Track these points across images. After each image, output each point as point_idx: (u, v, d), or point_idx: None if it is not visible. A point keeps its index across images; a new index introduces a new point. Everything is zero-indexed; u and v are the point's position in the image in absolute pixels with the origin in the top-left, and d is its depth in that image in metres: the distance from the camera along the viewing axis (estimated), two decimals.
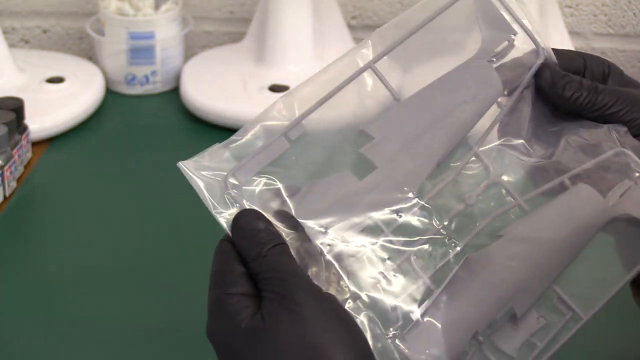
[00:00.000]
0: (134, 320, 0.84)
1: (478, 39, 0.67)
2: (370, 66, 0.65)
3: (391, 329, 0.62)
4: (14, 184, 1.01)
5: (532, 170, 0.66)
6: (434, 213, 0.65)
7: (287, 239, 0.62)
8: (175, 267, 0.90)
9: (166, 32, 1.20)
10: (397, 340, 0.62)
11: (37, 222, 0.98)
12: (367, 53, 0.66)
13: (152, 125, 1.16)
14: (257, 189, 0.63)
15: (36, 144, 1.08)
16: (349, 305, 0.61)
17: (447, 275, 0.63)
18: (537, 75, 0.66)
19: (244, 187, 0.63)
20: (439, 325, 0.62)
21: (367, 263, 0.63)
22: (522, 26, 0.66)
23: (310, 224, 0.62)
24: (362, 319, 0.61)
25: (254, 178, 0.63)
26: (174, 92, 1.20)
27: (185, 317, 0.82)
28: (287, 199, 0.63)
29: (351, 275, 0.62)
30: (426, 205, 0.64)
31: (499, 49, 0.66)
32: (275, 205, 0.63)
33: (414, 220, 0.64)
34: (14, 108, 1.02)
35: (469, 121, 0.65)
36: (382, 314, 0.62)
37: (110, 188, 1.03)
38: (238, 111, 1.12)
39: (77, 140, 1.11)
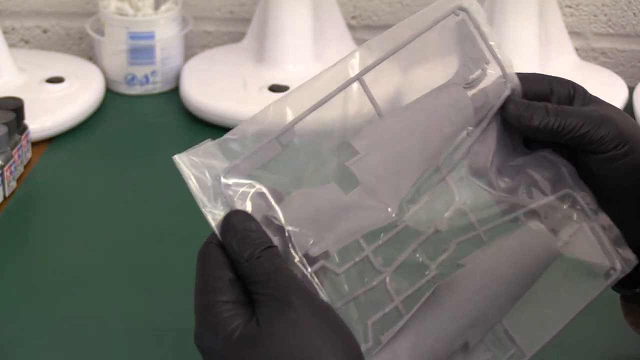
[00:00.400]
0: (134, 320, 0.84)
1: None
2: (358, 78, 0.66)
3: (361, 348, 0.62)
4: (14, 184, 1.01)
5: (497, 201, 0.68)
6: (412, 236, 0.65)
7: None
8: (176, 266, 0.90)
9: (166, 32, 1.20)
10: None
11: (37, 222, 0.98)
12: (356, 64, 0.66)
13: (152, 125, 1.16)
14: (250, 190, 0.63)
15: (36, 144, 1.08)
16: None
17: (418, 301, 0.63)
18: (503, 109, 0.67)
19: (234, 188, 0.62)
20: (406, 352, 0.63)
21: (344, 281, 0.63)
22: (492, 54, 0.66)
23: (298, 233, 0.62)
24: None
25: (243, 181, 0.63)
26: (174, 92, 1.20)
27: (186, 316, 0.82)
28: (274, 204, 0.62)
29: (328, 291, 0.62)
30: (406, 227, 0.65)
31: (473, 75, 0.67)
32: (261, 210, 0.62)
33: (393, 241, 0.65)
34: (14, 108, 1.02)
35: (444, 145, 0.66)
36: (354, 333, 0.61)
37: (110, 188, 1.03)
38: (238, 111, 1.12)
39: (77, 140, 1.11)
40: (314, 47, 1.20)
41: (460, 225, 0.67)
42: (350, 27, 1.26)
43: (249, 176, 0.63)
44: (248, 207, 0.62)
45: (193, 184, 0.62)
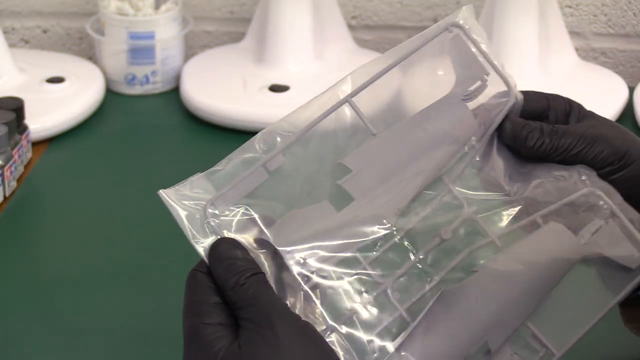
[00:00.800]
0: (134, 320, 0.84)
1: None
2: (347, 100, 0.67)
3: None
4: (14, 184, 1.01)
5: (507, 207, 0.68)
6: (411, 246, 0.65)
7: (266, 266, 0.62)
8: (175, 267, 0.90)
9: (166, 32, 1.20)
10: None
11: (37, 222, 0.98)
12: (347, 90, 0.67)
13: (152, 125, 1.16)
14: (235, 219, 0.64)
15: (36, 144, 1.08)
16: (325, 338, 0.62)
17: (423, 308, 0.64)
18: (500, 125, 0.67)
19: (221, 217, 0.63)
20: (417, 358, 0.63)
21: (343, 295, 0.63)
22: (494, 68, 0.67)
23: (289, 253, 0.63)
24: (338, 351, 0.62)
25: (232, 208, 0.64)
26: (174, 92, 1.20)
27: None
28: (264, 228, 0.63)
29: (328, 307, 0.62)
30: (404, 238, 0.65)
31: (472, 88, 0.67)
32: (252, 235, 0.63)
33: (391, 252, 0.65)
34: (14, 108, 1.02)
35: (444, 159, 0.66)
36: (358, 347, 0.62)
37: (110, 188, 1.03)
38: (238, 111, 1.12)
39: (77, 140, 1.11)
40: (314, 47, 1.20)
41: (470, 233, 0.67)
42: (350, 27, 1.26)
43: (237, 204, 0.64)
44: (235, 235, 0.63)
45: (181, 217, 0.64)
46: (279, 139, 0.65)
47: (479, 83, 0.67)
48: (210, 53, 1.25)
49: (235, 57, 1.22)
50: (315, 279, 0.62)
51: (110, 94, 1.20)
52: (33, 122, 1.07)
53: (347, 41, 1.24)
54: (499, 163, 0.68)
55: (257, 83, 1.16)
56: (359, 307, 0.63)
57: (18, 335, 0.82)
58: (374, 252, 0.65)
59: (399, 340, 0.63)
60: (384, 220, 0.64)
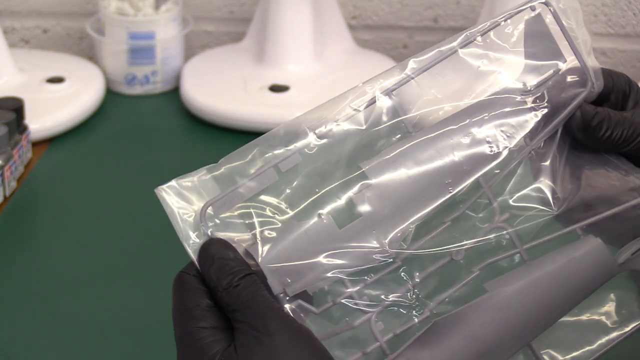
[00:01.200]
0: (133, 320, 0.84)
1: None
2: (389, 93, 0.62)
3: None
4: (14, 184, 1.01)
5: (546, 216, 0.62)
6: (407, 276, 0.61)
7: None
8: (176, 267, 0.90)
9: (166, 32, 1.20)
10: None
11: (37, 222, 0.98)
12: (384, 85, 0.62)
13: (152, 125, 1.16)
14: (231, 222, 0.60)
15: (36, 144, 1.08)
16: None
17: (407, 339, 0.60)
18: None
19: (220, 217, 0.60)
20: None
21: (324, 319, 0.60)
22: (575, 53, 0.61)
23: (275, 272, 0.59)
24: None
25: (233, 211, 0.60)
26: (174, 92, 1.21)
27: None
28: (259, 241, 0.60)
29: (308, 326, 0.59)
30: (404, 264, 0.61)
31: (542, 78, 0.62)
32: (244, 242, 0.60)
33: (385, 279, 0.61)
34: (14, 108, 1.02)
35: (479, 166, 0.61)
36: None
37: (110, 188, 1.03)
38: (238, 111, 1.12)
39: (77, 140, 1.11)
40: (314, 47, 1.20)
41: (484, 253, 0.61)
42: (350, 27, 1.27)
43: (241, 206, 0.60)
44: (228, 236, 0.60)
45: (175, 215, 0.61)
46: (308, 131, 0.61)
47: (550, 72, 0.61)
48: (210, 53, 1.25)
49: (235, 57, 1.22)
50: (295, 301, 0.60)
51: (110, 94, 1.20)
52: (33, 122, 1.07)
53: (347, 41, 1.24)
54: (555, 163, 0.62)
55: (257, 83, 1.16)
56: (339, 332, 0.60)
57: (18, 335, 0.82)
58: (366, 279, 0.61)
59: None
60: (385, 246, 0.60)
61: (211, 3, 1.29)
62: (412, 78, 0.62)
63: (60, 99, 1.13)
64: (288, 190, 0.61)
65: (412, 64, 0.62)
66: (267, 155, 0.61)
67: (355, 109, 0.61)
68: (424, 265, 0.61)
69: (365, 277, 0.61)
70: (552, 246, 0.61)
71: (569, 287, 0.60)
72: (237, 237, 0.60)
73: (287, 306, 0.59)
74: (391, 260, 0.60)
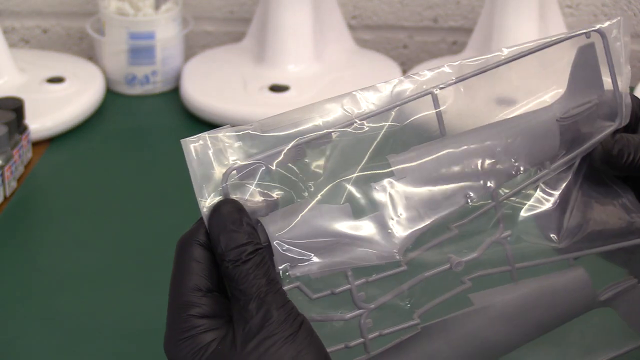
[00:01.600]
0: (133, 320, 0.84)
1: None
2: (430, 92, 0.61)
3: None
4: (14, 184, 1.01)
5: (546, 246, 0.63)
6: (410, 277, 0.61)
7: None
8: None
9: (166, 32, 1.20)
10: None
11: (37, 222, 0.98)
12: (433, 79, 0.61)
13: (152, 125, 1.16)
14: (250, 188, 0.59)
15: (36, 144, 1.08)
16: None
17: (390, 341, 0.60)
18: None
19: (241, 182, 0.58)
20: None
21: (320, 307, 0.60)
22: (614, 87, 0.61)
23: (283, 250, 0.58)
24: None
25: (254, 180, 0.59)
26: (174, 92, 1.21)
27: None
28: (270, 214, 0.59)
29: (301, 309, 0.58)
30: (409, 263, 0.60)
31: (577, 110, 0.62)
32: (258, 211, 0.59)
33: (387, 280, 0.60)
34: (14, 108, 1.02)
35: (503, 177, 0.61)
36: None
37: (110, 188, 1.03)
38: (238, 111, 1.12)
39: (77, 140, 1.11)
40: (314, 47, 1.20)
41: (487, 261, 0.62)
42: (350, 27, 1.27)
43: (260, 175, 0.59)
44: (244, 202, 0.58)
45: (194, 172, 0.59)
46: (339, 110, 0.59)
47: (587, 105, 0.62)
48: (210, 53, 1.25)
49: (235, 57, 1.22)
50: (295, 283, 0.59)
51: (110, 94, 1.20)
52: (33, 122, 1.07)
53: (347, 41, 1.24)
54: (568, 192, 0.62)
55: (257, 83, 1.16)
56: (330, 321, 0.60)
57: (18, 335, 0.82)
58: (371, 275, 0.60)
59: None
60: (395, 251, 0.59)
61: (211, 3, 1.29)
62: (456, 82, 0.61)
63: (60, 99, 1.13)
64: (314, 169, 0.60)
65: (460, 67, 0.61)
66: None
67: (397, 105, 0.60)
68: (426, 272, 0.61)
69: (373, 275, 0.60)
70: (544, 270, 0.62)
71: (548, 311, 0.61)
72: (252, 205, 0.59)
73: (285, 288, 0.58)
74: (398, 261, 0.60)
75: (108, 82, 1.20)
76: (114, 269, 0.91)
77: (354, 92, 0.60)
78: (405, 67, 1.26)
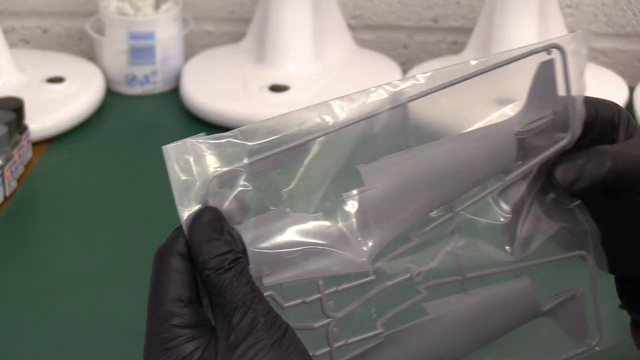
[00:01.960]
0: (133, 320, 0.84)
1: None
2: (403, 104, 0.61)
3: None
4: (14, 184, 1.01)
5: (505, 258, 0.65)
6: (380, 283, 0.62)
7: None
8: None
9: (166, 32, 1.20)
10: None
11: (37, 222, 0.98)
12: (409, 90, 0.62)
13: (152, 125, 1.16)
14: (230, 195, 0.59)
15: (36, 144, 1.08)
16: None
17: (354, 350, 0.61)
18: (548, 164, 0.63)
19: (219, 190, 0.59)
20: None
21: (292, 317, 0.59)
22: (570, 102, 0.63)
23: (255, 263, 0.58)
24: None
25: (233, 188, 0.59)
26: (174, 92, 1.21)
27: None
28: (250, 221, 0.59)
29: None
30: (377, 273, 0.61)
31: (536, 123, 0.63)
32: (234, 218, 0.59)
33: (355, 289, 0.61)
34: (14, 108, 1.02)
35: (466, 187, 0.63)
36: None
37: (110, 188, 1.03)
38: (238, 111, 1.12)
39: (77, 140, 1.11)
40: (314, 47, 1.20)
41: (443, 270, 0.63)
42: (350, 27, 1.27)
43: (238, 183, 0.59)
44: (223, 209, 0.59)
45: (175, 179, 0.59)
46: (317, 119, 0.60)
47: (543, 120, 0.63)
48: (210, 53, 1.25)
49: (235, 57, 1.22)
50: (268, 292, 0.59)
51: (110, 94, 1.20)
52: (33, 122, 1.07)
53: (347, 41, 1.24)
54: (522, 204, 0.64)
55: (257, 83, 1.16)
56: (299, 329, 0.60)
57: (18, 335, 0.82)
58: (340, 284, 0.61)
59: None
60: (364, 259, 0.60)
61: (211, 3, 1.29)
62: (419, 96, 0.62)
63: (60, 99, 1.13)
64: (289, 178, 0.60)
65: (421, 78, 0.62)
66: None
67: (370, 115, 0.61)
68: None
69: (343, 284, 0.61)
70: (496, 279, 0.64)
71: (495, 320, 0.64)
72: (230, 211, 0.59)
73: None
74: (367, 271, 0.60)
75: (108, 82, 1.20)
76: (114, 268, 0.91)
77: (329, 101, 0.61)
78: (405, 67, 1.26)
